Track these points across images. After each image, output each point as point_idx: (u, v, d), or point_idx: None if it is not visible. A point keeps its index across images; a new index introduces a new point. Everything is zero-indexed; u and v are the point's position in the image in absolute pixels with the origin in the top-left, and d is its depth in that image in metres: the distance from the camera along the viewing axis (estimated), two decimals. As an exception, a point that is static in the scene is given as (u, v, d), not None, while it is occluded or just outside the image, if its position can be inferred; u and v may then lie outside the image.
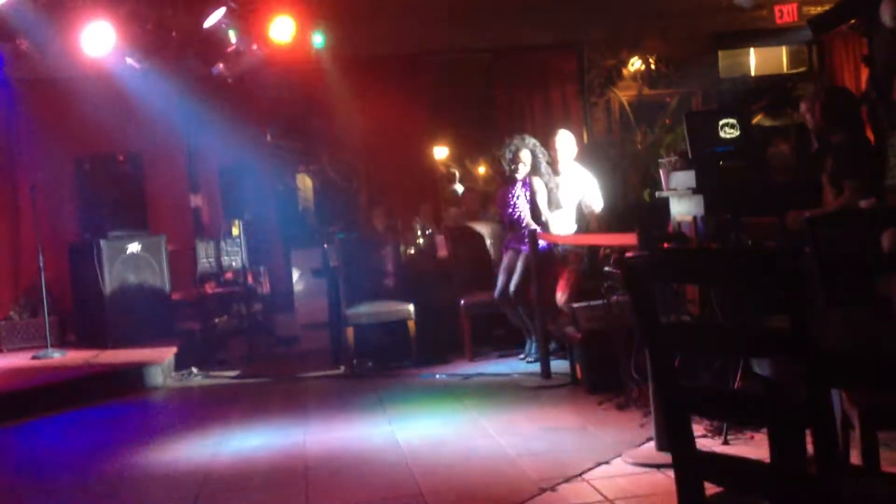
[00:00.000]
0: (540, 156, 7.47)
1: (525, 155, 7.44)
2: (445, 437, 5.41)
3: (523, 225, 7.43)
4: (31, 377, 7.53)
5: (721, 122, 5.94)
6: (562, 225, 7.51)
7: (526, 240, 7.18)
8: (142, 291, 8.82)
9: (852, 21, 7.24)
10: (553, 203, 7.49)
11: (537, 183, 7.45)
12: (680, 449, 2.45)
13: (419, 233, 9.09)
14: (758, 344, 2.40)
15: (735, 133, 5.93)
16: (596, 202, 7.61)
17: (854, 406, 3.02)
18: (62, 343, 8.90)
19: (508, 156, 7.51)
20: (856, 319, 3.06)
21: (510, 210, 7.56)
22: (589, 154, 8.67)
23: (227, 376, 8.02)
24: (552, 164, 7.54)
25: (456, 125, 11.39)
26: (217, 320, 9.16)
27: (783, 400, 2.43)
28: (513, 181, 7.53)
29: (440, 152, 11.41)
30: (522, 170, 7.45)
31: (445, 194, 11.05)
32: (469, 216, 9.75)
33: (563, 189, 7.54)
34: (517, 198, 7.50)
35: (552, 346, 7.13)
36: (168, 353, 8.07)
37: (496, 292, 7.59)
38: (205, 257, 9.39)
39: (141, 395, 7.41)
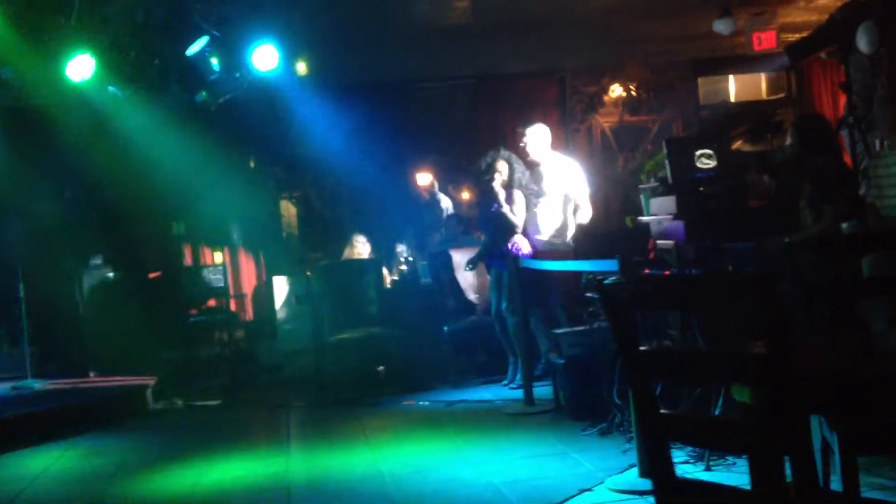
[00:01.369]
0: (516, 166, 7.41)
1: (501, 165, 7.40)
2: (429, 465, 5.38)
3: (511, 235, 7.32)
4: (11, 407, 7.45)
5: (697, 153, 5.98)
6: (547, 214, 7.41)
7: (510, 250, 7.13)
8: (124, 320, 8.76)
9: (829, 48, 7.34)
10: (536, 194, 7.41)
11: (517, 195, 7.38)
12: (660, 476, 2.45)
13: (402, 259, 9.09)
14: (737, 370, 2.41)
15: (712, 163, 5.97)
16: (581, 192, 7.52)
17: (834, 431, 3.02)
18: (43, 372, 8.81)
19: (483, 166, 7.49)
20: (835, 344, 3.07)
21: (492, 221, 7.47)
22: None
23: (209, 404, 7.97)
24: (531, 166, 7.46)
25: (439, 151, 11.42)
26: (199, 348, 9.11)
27: (763, 426, 2.43)
28: (491, 194, 7.44)
29: (423, 178, 11.44)
30: (499, 178, 7.38)
31: (429, 220, 11.06)
32: (453, 242, 9.76)
33: (546, 179, 7.48)
34: (497, 208, 7.41)
35: (536, 371, 7.12)
36: (150, 382, 8.02)
37: (492, 311, 7.54)
38: (187, 285, 9.36)
39: (122, 425, 7.33)
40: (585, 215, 7.38)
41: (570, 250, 7.21)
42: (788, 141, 7.15)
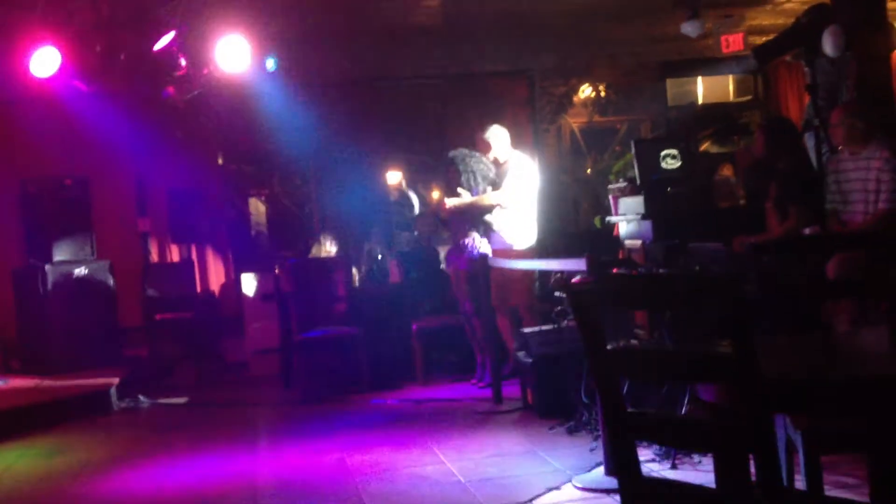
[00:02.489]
0: (460, 165, 7.34)
1: (462, 166, 7.36)
2: (396, 464, 5.38)
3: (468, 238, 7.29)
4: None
5: (662, 153, 6.03)
6: (507, 213, 7.39)
7: (466, 250, 7.12)
8: (88, 317, 8.65)
9: (795, 50, 7.42)
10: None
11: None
12: (626, 474, 2.47)
13: (371, 257, 9.07)
14: (702, 369, 2.43)
15: (676, 163, 6.03)
16: (514, 189, 7.46)
17: (798, 430, 3.06)
18: (5, 370, 8.69)
19: (446, 164, 7.47)
20: (799, 345, 3.11)
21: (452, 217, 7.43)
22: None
23: (174, 403, 7.90)
24: (491, 164, 7.42)
25: (409, 150, 11.40)
26: (165, 346, 9.03)
27: (727, 425, 2.45)
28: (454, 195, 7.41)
29: (393, 177, 11.42)
30: (455, 179, 7.34)
31: (398, 219, 11.05)
32: (422, 241, 9.76)
33: (508, 179, 7.43)
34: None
35: (505, 370, 7.14)
36: (114, 380, 7.93)
37: (461, 308, 7.52)
38: (153, 282, 9.27)
39: (86, 423, 7.24)
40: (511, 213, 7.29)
41: (529, 250, 7.23)
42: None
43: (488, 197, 7.21)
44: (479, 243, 7.16)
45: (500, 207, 7.22)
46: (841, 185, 5.59)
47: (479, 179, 7.25)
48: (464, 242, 7.23)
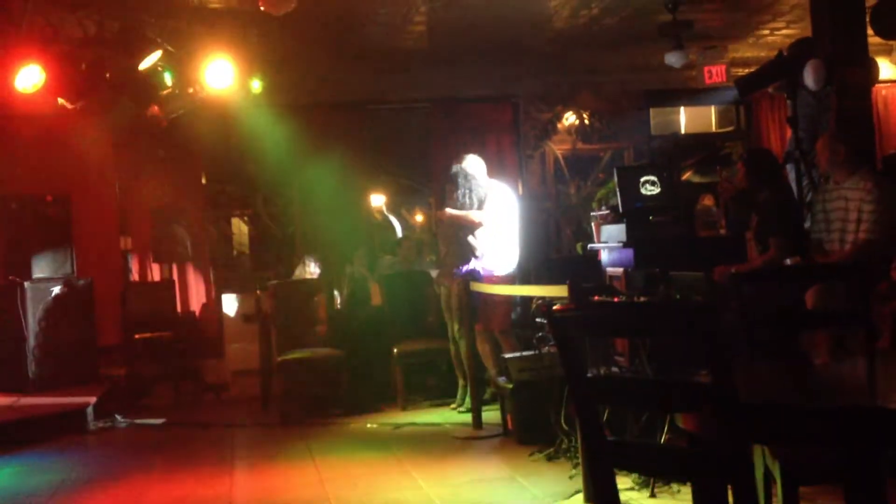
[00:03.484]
0: (461, 180, 7.40)
1: (461, 180, 7.40)
2: (374, 488, 5.35)
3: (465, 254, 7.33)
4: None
5: (642, 180, 6.07)
6: (486, 240, 7.41)
7: (459, 271, 7.14)
8: (66, 335, 8.58)
9: (777, 83, 7.50)
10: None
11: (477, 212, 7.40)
12: (604, 502, 2.46)
13: (353, 280, 9.06)
14: (681, 398, 2.44)
15: (656, 190, 6.06)
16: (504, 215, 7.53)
17: (776, 460, 3.07)
18: (-20, 387, 8.61)
19: (447, 180, 7.53)
20: (777, 375, 3.12)
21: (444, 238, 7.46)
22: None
23: (152, 423, 7.84)
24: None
25: (393, 173, 11.44)
26: (144, 366, 8.97)
27: (705, 454, 2.46)
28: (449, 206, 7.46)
29: (377, 200, 11.44)
30: (455, 195, 7.40)
31: (380, 242, 11.06)
32: (404, 265, 9.77)
33: (489, 200, 7.46)
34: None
35: (485, 395, 7.13)
36: (91, 399, 7.86)
37: (451, 331, 7.52)
38: (133, 301, 9.22)
39: (62, 442, 7.16)
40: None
41: (509, 276, 7.26)
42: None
43: (475, 213, 7.28)
44: (475, 265, 7.21)
45: (481, 225, 7.27)
46: (826, 215, 5.64)
47: (474, 198, 7.32)
48: (455, 264, 7.27)
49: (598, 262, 7.05)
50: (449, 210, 7.35)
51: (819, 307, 5.10)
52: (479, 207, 7.30)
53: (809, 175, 6.54)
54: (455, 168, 7.45)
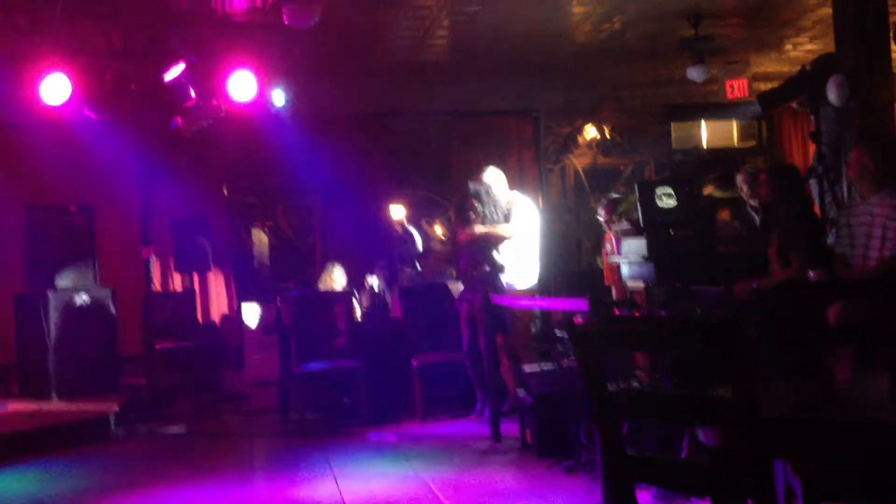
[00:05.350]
0: (484, 196, 7.46)
1: (485, 196, 7.45)
2: (393, 500, 5.35)
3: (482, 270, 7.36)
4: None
5: (658, 191, 6.05)
6: (506, 252, 7.51)
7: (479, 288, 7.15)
8: (88, 344, 8.65)
9: (800, 98, 7.47)
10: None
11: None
12: (625, 516, 2.46)
13: (373, 292, 9.08)
14: (702, 413, 2.44)
15: (672, 202, 6.04)
16: (526, 227, 7.58)
17: (797, 476, 3.05)
18: (4, 395, 8.68)
19: (462, 197, 7.56)
20: (799, 390, 3.11)
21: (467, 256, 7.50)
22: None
23: (172, 432, 7.87)
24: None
25: (413, 185, 11.45)
26: (164, 375, 9.02)
27: (726, 469, 2.45)
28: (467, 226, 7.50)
29: (397, 212, 11.46)
30: (472, 213, 7.44)
31: (401, 254, 11.07)
32: (426, 277, 9.77)
33: (515, 212, 7.51)
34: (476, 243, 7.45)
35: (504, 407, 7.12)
36: (112, 408, 7.91)
37: (465, 347, 7.54)
38: (154, 310, 9.27)
39: (82, 450, 7.21)
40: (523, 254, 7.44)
41: (529, 291, 7.29)
42: (739, 180, 7.32)
43: (503, 228, 7.31)
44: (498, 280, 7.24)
45: (509, 239, 7.30)
46: (851, 230, 5.60)
47: (499, 212, 7.36)
48: (479, 278, 7.28)
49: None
50: (478, 227, 7.36)
51: (842, 322, 5.06)
52: (506, 220, 7.34)
53: (833, 191, 6.50)
54: (473, 186, 7.47)
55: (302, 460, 6.57)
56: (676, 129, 10.99)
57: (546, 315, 7.37)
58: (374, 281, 9.31)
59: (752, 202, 7.21)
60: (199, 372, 9.07)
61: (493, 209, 7.37)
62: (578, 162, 10.67)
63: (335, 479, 5.87)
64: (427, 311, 8.46)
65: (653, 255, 5.97)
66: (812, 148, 7.06)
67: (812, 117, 6.86)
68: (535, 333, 7.62)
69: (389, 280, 9.62)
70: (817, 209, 6.51)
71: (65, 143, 8.90)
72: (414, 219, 11.33)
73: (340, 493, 5.51)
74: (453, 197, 7.78)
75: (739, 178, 7.44)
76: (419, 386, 7.86)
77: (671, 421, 3.82)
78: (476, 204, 7.41)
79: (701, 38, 8.32)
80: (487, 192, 7.39)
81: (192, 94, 8.11)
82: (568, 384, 5.86)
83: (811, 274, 5.47)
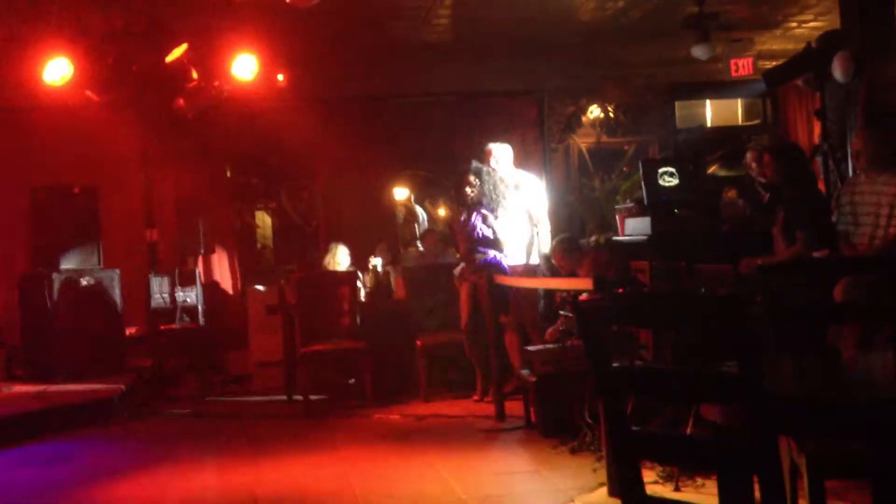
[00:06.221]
0: (485, 177, 7.45)
1: (472, 179, 7.44)
2: (398, 479, 5.37)
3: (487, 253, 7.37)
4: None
5: (660, 171, 6.04)
6: (510, 231, 7.49)
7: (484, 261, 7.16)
8: (93, 326, 8.67)
9: (805, 76, 7.44)
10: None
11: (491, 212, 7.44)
12: (629, 495, 2.46)
13: (376, 272, 9.07)
14: (707, 390, 2.43)
15: (674, 181, 6.02)
16: (541, 209, 7.61)
17: (802, 454, 3.05)
18: (10, 377, 8.71)
19: (457, 178, 7.55)
20: (805, 368, 3.10)
21: (473, 235, 7.49)
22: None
23: (177, 413, 7.90)
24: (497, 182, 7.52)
25: (417, 167, 11.43)
26: (169, 356, 9.05)
27: (731, 446, 2.45)
28: (468, 208, 7.49)
29: (400, 193, 11.45)
30: (470, 192, 7.44)
31: (404, 234, 11.07)
32: (428, 257, 9.76)
33: (510, 196, 7.52)
34: (474, 223, 7.45)
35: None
36: (118, 389, 7.94)
37: (463, 324, 7.54)
38: (158, 293, 9.28)
39: (88, 432, 7.24)
40: (545, 232, 7.46)
41: (527, 268, 7.29)
42: (748, 158, 7.29)
43: (543, 228, 7.39)
44: (502, 258, 7.25)
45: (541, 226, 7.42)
46: (855, 208, 5.57)
47: (499, 194, 7.35)
48: (484, 259, 7.28)
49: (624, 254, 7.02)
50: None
51: (847, 300, 5.05)
52: (505, 198, 7.34)
53: (838, 169, 6.48)
54: (475, 164, 7.44)
55: (307, 440, 6.59)
56: (681, 108, 10.94)
57: (549, 295, 7.35)
58: (377, 261, 9.30)
59: (761, 179, 7.19)
60: (203, 353, 9.09)
61: (492, 188, 7.33)
62: (582, 142, 10.64)
63: (340, 459, 5.89)
64: (431, 291, 8.46)
65: (657, 234, 5.96)
66: (817, 125, 7.04)
67: (817, 94, 6.84)
68: (540, 313, 7.60)
69: (393, 260, 9.60)
70: (822, 186, 6.49)
71: (68, 125, 8.89)
72: (417, 200, 11.32)
73: (346, 473, 5.52)
74: (454, 177, 7.75)
75: (748, 156, 7.40)
76: (423, 366, 7.87)
77: (676, 398, 3.81)
78: (475, 181, 7.39)
79: (706, 15, 8.26)
80: (489, 172, 7.37)
81: (195, 75, 8.08)
82: (571, 363, 5.87)
83: (816, 254, 5.46)
